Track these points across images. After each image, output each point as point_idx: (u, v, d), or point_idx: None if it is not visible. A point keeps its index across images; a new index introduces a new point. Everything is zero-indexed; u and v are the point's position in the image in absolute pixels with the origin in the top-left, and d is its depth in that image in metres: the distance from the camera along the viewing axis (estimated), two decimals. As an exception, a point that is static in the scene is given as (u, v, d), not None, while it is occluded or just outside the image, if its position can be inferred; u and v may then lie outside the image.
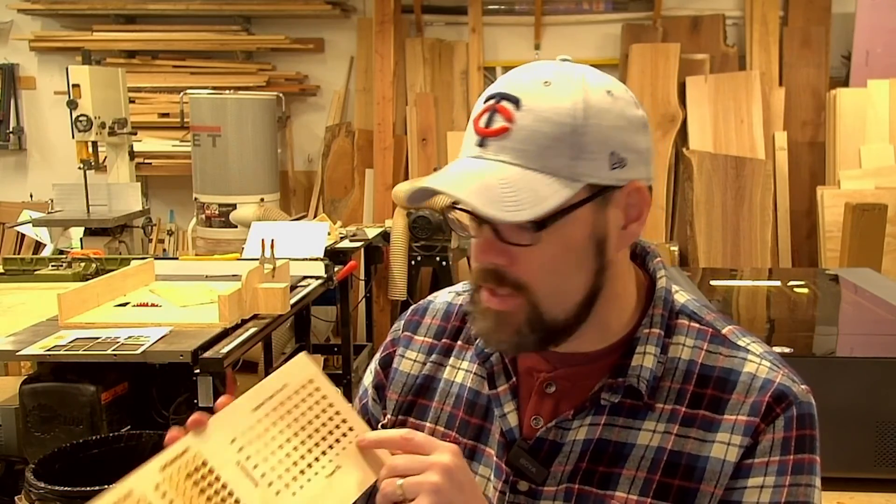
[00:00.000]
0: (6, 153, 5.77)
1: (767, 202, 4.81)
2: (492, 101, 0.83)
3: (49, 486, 1.87)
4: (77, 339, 2.32)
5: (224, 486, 0.77)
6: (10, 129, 5.71)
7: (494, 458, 0.92)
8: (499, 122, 0.81)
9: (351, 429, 0.83)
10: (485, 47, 5.33)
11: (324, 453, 0.81)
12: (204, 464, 0.77)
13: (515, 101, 0.81)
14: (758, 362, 0.88)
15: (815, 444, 0.86)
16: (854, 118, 4.78)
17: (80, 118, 3.93)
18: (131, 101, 4.64)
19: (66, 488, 1.86)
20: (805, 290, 2.51)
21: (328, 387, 0.85)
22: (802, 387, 0.88)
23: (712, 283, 2.57)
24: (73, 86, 3.93)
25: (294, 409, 0.82)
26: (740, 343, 0.90)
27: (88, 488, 1.83)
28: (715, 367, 0.88)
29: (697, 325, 0.91)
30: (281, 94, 4.94)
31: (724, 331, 0.91)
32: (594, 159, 0.81)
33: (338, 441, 0.82)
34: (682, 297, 0.94)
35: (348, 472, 0.81)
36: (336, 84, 5.53)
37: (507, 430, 0.92)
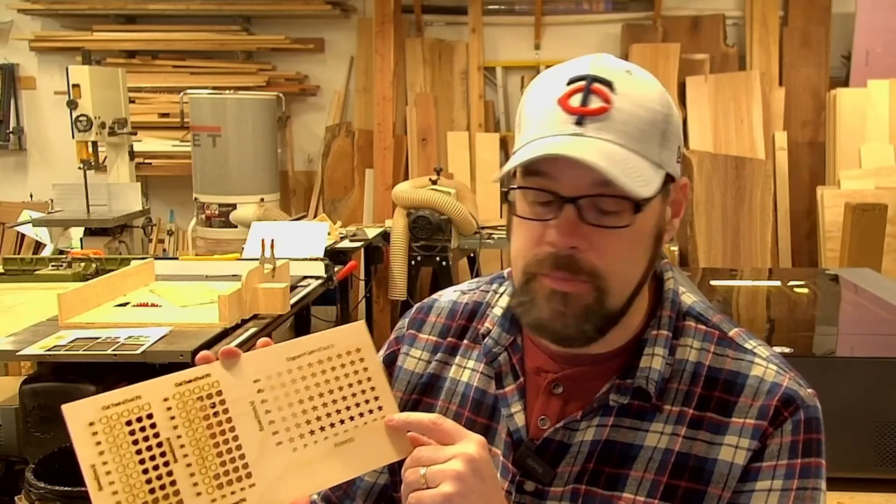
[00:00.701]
0: (6, 153, 5.77)
1: (767, 202, 4.81)
2: (582, 83, 0.82)
3: (49, 486, 1.87)
4: (77, 339, 2.32)
5: (229, 420, 0.77)
6: (10, 129, 5.71)
7: (501, 458, 0.92)
8: (597, 103, 0.81)
9: (381, 407, 0.82)
10: (485, 47, 5.33)
11: (342, 422, 0.80)
12: (219, 393, 0.77)
13: (609, 84, 0.81)
14: (765, 366, 0.88)
15: (821, 447, 0.87)
16: (854, 118, 4.78)
17: (80, 118, 3.93)
18: (131, 101, 4.64)
19: (66, 488, 1.86)
20: (805, 290, 2.51)
21: (374, 361, 0.84)
22: (809, 390, 0.88)
23: (712, 283, 2.57)
24: (73, 86, 3.93)
25: (330, 371, 0.81)
26: (747, 346, 0.90)
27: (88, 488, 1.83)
28: (722, 369, 0.88)
29: (704, 328, 0.91)
30: (281, 94, 4.94)
31: (730, 333, 0.91)
32: (671, 149, 0.84)
33: (361, 415, 0.81)
34: (688, 298, 0.94)
35: (359, 448, 0.80)
36: (336, 84, 5.53)
37: (514, 430, 0.91)
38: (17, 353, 2.29)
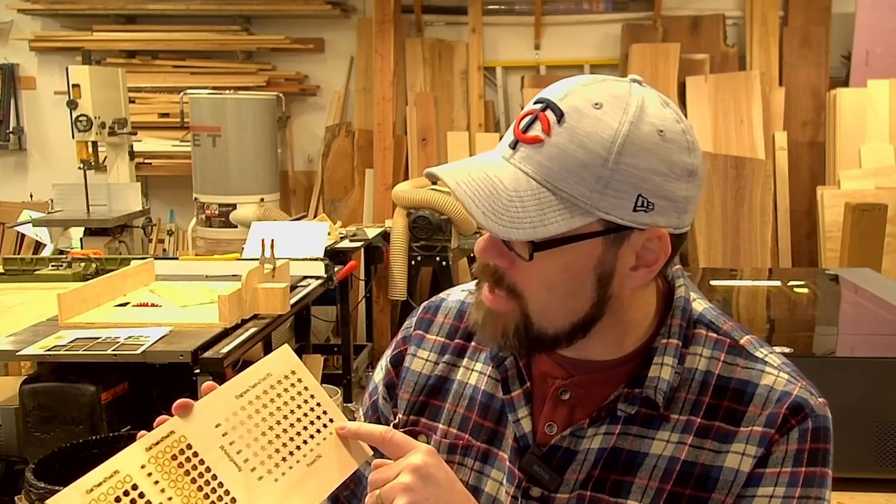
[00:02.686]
0: (6, 153, 5.77)
1: (767, 202, 4.81)
2: (538, 106, 0.81)
3: (49, 486, 1.87)
4: (77, 339, 2.32)
5: (208, 470, 0.78)
6: (10, 129, 5.71)
7: (507, 463, 0.91)
8: (535, 131, 0.80)
9: (331, 420, 0.86)
10: (485, 47, 5.33)
11: (305, 442, 0.83)
12: (189, 447, 0.78)
13: (559, 115, 0.79)
14: (775, 374, 0.87)
15: (828, 457, 0.86)
16: (854, 118, 4.78)
17: (80, 118, 3.93)
18: (131, 101, 4.64)
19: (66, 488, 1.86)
20: (805, 290, 2.51)
21: (309, 379, 0.87)
22: (820, 400, 0.87)
23: (712, 283, 2.57)
24: (73, 86, 3.93)
25: (277, 398, 0.84)
26: (758, 354, 0.89)
27: (88, 488, 1.83)
28: (732, 378, 0.87)
29: (715, 336, 0.90)
30: (281, 94, 4.94)
31: (741, 341, 0.90)
32: (618, 197, 0.78)
33: (318, 431, 0.84)
34: (699, 305, 0.93)
35: (328, 461, 0.83)
36: (336, 84, 5.53)
37: (521, 435, 0.91)
38: (17, 353, 2.29)
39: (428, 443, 0.91)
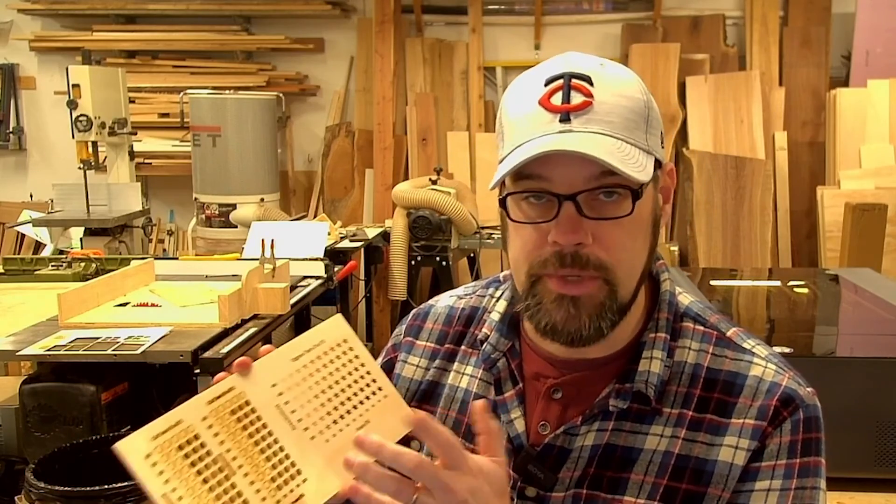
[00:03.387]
0: (6, 153, 5.77)
1: (767, 202, 4.81)
2: (560, 81, 0.82)
3: (49, 486, 1.87)
4: (77, 339, 2.32)
5: (265, 426, 0.80)
6: (10, 129, 5.71)
7: None
8: (579, 98, 0.81)
9: (380, 388, 0.86)
10: (485, 47, 5.33)
11: (355, 407, 0.84)
12: (247, 403, 0.80)
13: (587, 79, 0.81)
14: (764, 365, 0.88)
15: (820, 446, 0.86)
16: (854, 118, 4.78)
17: (80, 118, 3.93)
18: (131, 101, 4.64)
19: (66, 488, 1.86)
20: (805, 290, 2.51)
21: (360, 347, 0.88)
22: (808, 389, 0.88)
23: (712, 283, 2.57)
24: (73, 86, 3.93)
25: (329, 363, 0.86)
26: (745, 345, 0.90)
27: (88, 488, 1.83)
28: (721, 370, 0.88)
29: (702, 328, 0.91)
30: (281, 94, 4.94)
31: (728, 333, 0.91)
32: (654, 135, 0.84)
33: (368, 398, 0.85)
34: (685, 298, 0.94)
35: (376, 427, 0.84)
36: (336, 84, 5.53)
37: (514, 435, 0.91)
38: (17, 353, 2.29)
39: (420, 449, 0.90)
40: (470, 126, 5.25)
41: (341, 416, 0.83)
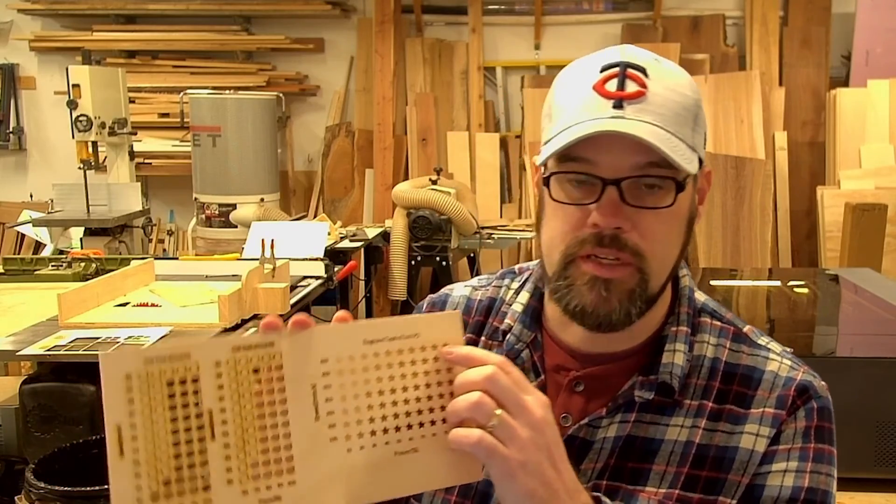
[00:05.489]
0: (6, 153, 5.77)
1: (767, 202, 4.81)
2: (616, 69, 0.82)
3: (49, 486, 1.87)
4: (77, 339, 2.31)
5: (283, 401, 0.66)
6: (10, 129, 5.71)
7: None
8: (634, 87, 0.82)
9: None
10: (485, 47, 5.33)
11: (409, 426, 0.69)
12: (279, 367, 0.66)
13: (643, 70, 0.82)
14: (779, 361, 0.91)
15: (832, 437, 0.89)
16: (854, 118, 4.78)
17: (80, 118, 3.93)
18: (131, 101, 4.64)
19: (66, 488, 1.86)
20: (805, 290, 2.51)
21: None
22: (822, 383, 0.90)
23: (712, 283, 2.57)
24: (73, 86, 3.93)
25: (410, 364, 0.70)
26: (760, 342, 0.93)
27: (88, 488, 1.83)
28: (739, 364, 0.90)
29: (720, 324, 0.93)
30: (281, 94, 4.94)
31: (744, 329, 0.94)
32: (700, 135, 0.86)
33: (433, 423, 0.70)
34: (700, 295, 0.96)
35: (422, 462, 0.70)
36: (336, 84, 5.53)
37: None
38: (17, 353, 2.29)
39: None
40: (470, 126, 5.25)
41: (384, 430, 0.69)
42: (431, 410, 0.70)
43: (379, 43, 5.14)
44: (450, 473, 0.70)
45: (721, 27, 5.14)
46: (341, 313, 0.71)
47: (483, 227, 4.33)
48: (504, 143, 5.23)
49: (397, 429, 0.69)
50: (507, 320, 0.96)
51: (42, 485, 1.88)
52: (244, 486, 0.64)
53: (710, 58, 5.07)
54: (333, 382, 0.67)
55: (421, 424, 0.69)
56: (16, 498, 1.98)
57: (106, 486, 1.83)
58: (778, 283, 2.69)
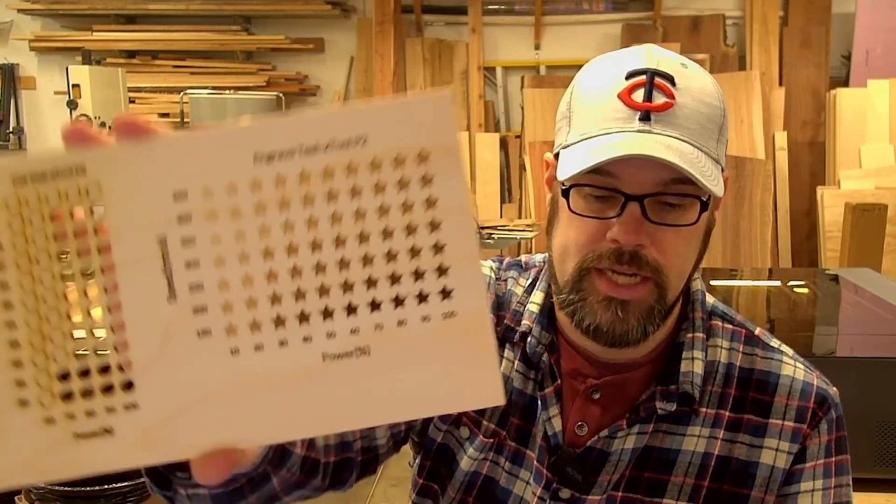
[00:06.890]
0: (6, 153, 5.76)
1: (767, 202, 4.81)
2: (643, 77, 0.79)
3: (49, 486, 1.87)
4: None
5: (109, 268, 0.40)
6: (10, 129, 5.71)
7: (535, 463, 0.89)
8: (661, 98, 0.78)
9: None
10: (485, 47, 5.33)
11: (351, 310, 0.41)
12: (91, 210, 0.39)
13: (670, 79, 0.79)
14: (793, 364, 0.89)
15: (847, 444, 0.89)
16: (854, 118, 4.78)
17: (80, 118, 3.93)
18: (131, 101, 4.65)
19: (66, 488, 1.86)
20: (805, 290, 2.51)
21: (461, 169, 0.41)
22: (834, 389, 0.89)
23: (712, 283, 2.57)
24: (73, 86, 3.94)
25: (350, 198, 0.40)
26: (773, 344, 0.91)
27: (88, 488, 1.83)
28: (753, 368, 0.89)
29: (731, 326, 0.91)
30: (281, 94, 4.94)
31: (756, 332, 0.92)
32: (724, 144, 0.82)
33: (400, 302, 0.41)
34: (709, 298, 0.94)
35: (374, 370, 0.41)
36: (336, 84, 5.53)
37: (552, 434, 0.88)
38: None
39: (469, 439, 0.89)
40: (470, 126, 5.25)
41: (302, 317, 0.40)
42: (395, 279, 0.40)
43: (379, 43, 5.14)
44: (454, 386, 0.40)
45: (721, 27, 5.14)
46: (244, 118, 0.41)
47: (483, 227, 4.33)
48: (504, 143, 5.23)
49: (327, 313, 0.40)
50: (524, 321, 0.92)
51: (42, 484, 1.88)
52: (47, 410, 0.40)
53: (710, 58, 5.06)
54: (200, 234, 0.39)
55: (376, 305, 0.40)
56: (15, 498, 1.99)
57: (106, 486, 1.84)
58: (778, 283, 2.69)
